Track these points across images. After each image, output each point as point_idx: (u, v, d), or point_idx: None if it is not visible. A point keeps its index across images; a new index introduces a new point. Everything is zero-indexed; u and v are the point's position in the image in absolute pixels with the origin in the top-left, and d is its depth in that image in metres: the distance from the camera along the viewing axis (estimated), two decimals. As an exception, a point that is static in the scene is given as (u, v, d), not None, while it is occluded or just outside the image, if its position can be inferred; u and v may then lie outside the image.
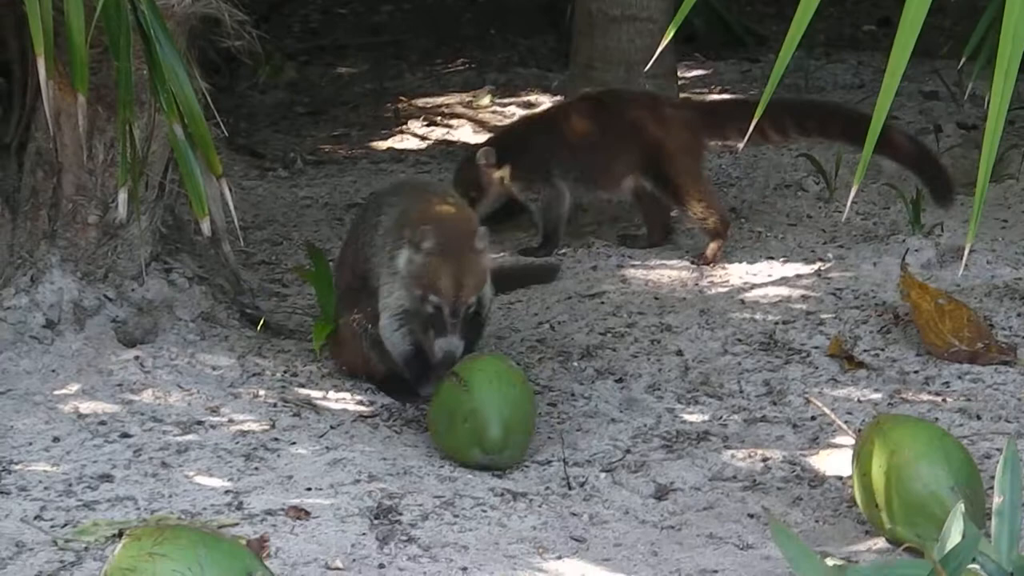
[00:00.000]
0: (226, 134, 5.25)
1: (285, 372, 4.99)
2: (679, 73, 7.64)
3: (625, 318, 5.52)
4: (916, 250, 5.81)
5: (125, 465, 4.35)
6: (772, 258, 6.02)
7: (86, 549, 3.90)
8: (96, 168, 4.99)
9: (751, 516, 4.29)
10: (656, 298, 5.69)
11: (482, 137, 7.08)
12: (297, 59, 9.29)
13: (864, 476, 4.02)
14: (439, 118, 8.07)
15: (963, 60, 5.88)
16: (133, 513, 4.10)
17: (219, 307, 5.22)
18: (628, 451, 4.67)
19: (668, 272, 5.94)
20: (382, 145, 7.76)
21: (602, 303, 5.66)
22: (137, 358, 4.89)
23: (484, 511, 4.22)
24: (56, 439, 4.49)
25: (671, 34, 3.77)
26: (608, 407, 4.95)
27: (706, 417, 4.88)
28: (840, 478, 4.44)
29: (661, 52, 4.20)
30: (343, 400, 4.88)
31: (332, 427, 4.66)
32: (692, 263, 5.98)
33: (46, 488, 4.22)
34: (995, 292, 5.51)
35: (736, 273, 5.89)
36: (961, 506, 3.37)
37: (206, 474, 4.32)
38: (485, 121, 7.91)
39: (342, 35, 9.85)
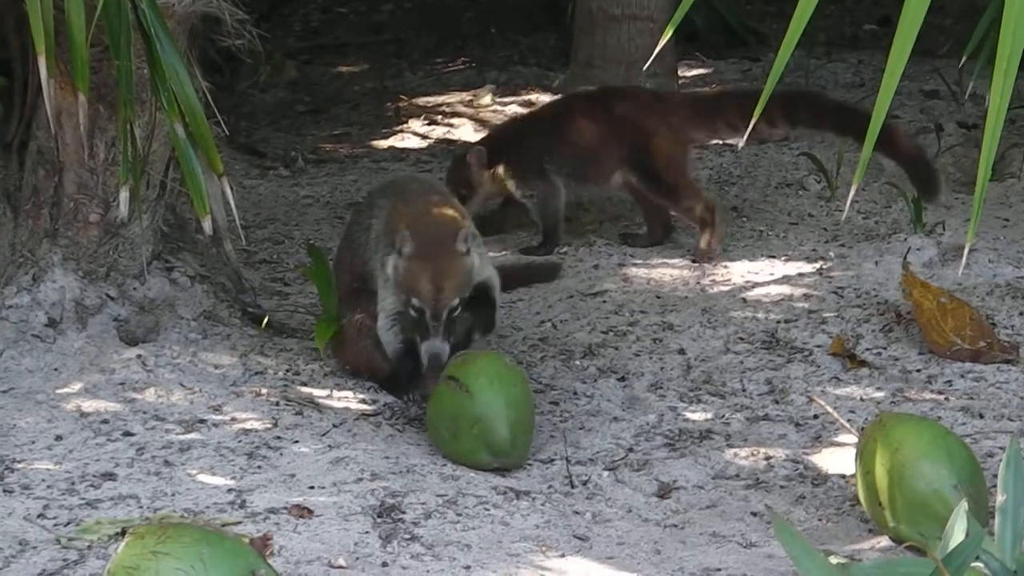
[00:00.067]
0: (227, 133, 5.24)
1: (287, 371, 4.99)
2: (680, 72, 7.65)
3: (627, 317, 5.52)
4: (918, 249, 5.81)
5: (128, 463, 4.35)
6: (774, 257, 6.02)
7: (89, 547, 3.90)
8: (97, 167, 4.99)
9: (754, 514, 4.29)
10: (658, 297, 5.69)
11: (482, 136, 7.09)
12: (298, 58, 9.29)
13: (867, 474, 4.02)
14: (440, 117, 8.07)
15: (964, 59, 5.88)
16: (136, 511, 4.09)
17: (221, 306, 5.22)
18: (631, 449, 4.67)
19: (670, 271, 5.94)
20: (383, 144, 7.76)
21: (604, 302, 5.66)
22: (139, 357, 4.89)
23: (487, 509, 4.22)
24: (59, 438, 4.49)
25: (670, 33, 3.77)
26: (610, 406, 4.95)
27: (709, 416, 4.88)
28: (843, 476, 4.44)
29: (662, 51, 4.21)
30: (345, 399, 4.88)
31: (335, 425, 4.66)
32: (692, 261, 5.98)
33: (49, 487, 4.22)
34: (997, 291, 5.50)
35: (738, 272, 5.89)
36: (964, 504, 3.37)
37: (209, 472, 4.32)
38: (486, 120, 7.91)
39: (343, 34, 9.86)
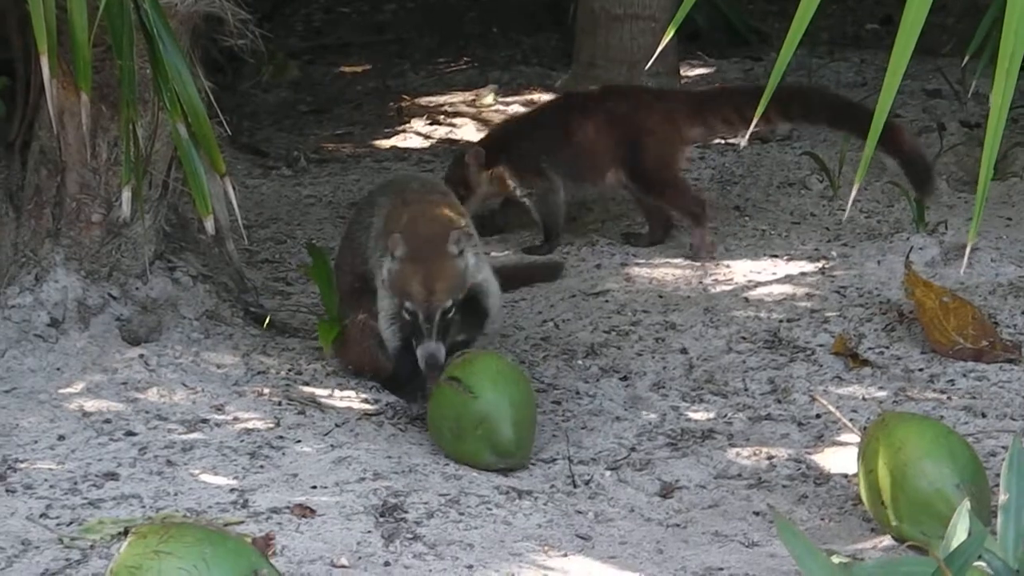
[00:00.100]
0: (229, 133, 5.24)
1: (290, 370, 4.99)
2: (682, 71, 7.66)
3: (629, 316, 5.52)
4: (920, 248, 5.81)
5: (130, 463, 4.35)
6: (776, 256, 6.02)
7: (92, 547, 3.90)
8: (100, 167, 4.99)
9: (756, 514, 4.29)
10: (660, 296, 5.69)
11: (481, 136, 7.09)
12: (300, 58, 9.30)
13: (870, 474, 4.02)
14: (442, 117, 8.07)
15: (966, 58, 5.88)
16: (138, 511, 4.09)
17: (223, 305, 5.22)
18: (633, 449, 4.67)
19: (672, 270, 5.94)
20: (385, 144, 7.76)
21: (606, 301, 5.66)
22: (142, 356, 4.89)
23: (489, 509, 4.21)
24: (61, 437, 4.49)
25: (672, 32, 3.78)
26: (613, 405, 4.95)
27: (711, 415, 4.88)
28: (845, 476, 4.44)
29: (664, 50, 4.21)
30: (348, 398, 4.88)
31: (337, 425, 4.66)
32: (688, 259, 5.99)
33: (51, 486, 4.22)
34: (999, 290, 5.50)
35: (740, 271, 5.89)
36: (967, 503, 3.37)
37: (211, 472, 4.32)
38: (488, 120, 7.90)
39: (345, 34, 9.86)
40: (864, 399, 4.91)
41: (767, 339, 5.30)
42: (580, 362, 5.21)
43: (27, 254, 5.04)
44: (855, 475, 4.19)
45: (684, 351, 5.26)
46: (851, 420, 4.63)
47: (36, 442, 4.47)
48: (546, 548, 4.04)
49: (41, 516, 4.07)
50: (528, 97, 8.22)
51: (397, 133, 7.88)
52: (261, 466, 4.37)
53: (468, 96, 8.39)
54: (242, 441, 4.50)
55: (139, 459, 4.38)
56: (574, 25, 7.32)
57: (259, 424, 4.61)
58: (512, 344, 5.35)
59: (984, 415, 4.75)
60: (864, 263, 5.83)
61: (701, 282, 5.81)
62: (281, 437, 4.54)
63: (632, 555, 4.05)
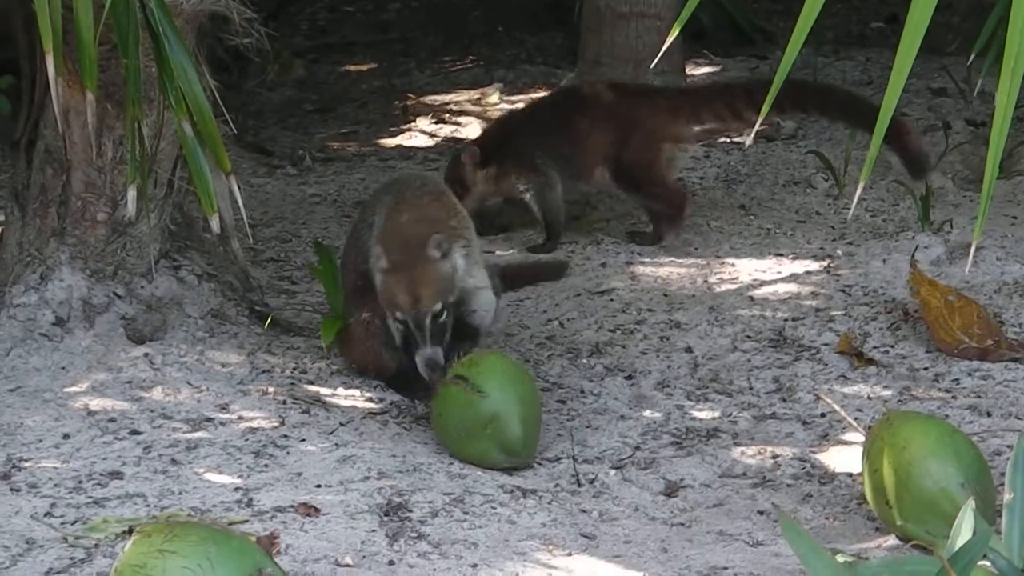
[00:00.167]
0: (235, 131, 5.26)
1: (294, 369, 4.99)
2: (688, 70, 7.65)
3: (634, 315, 5.52)
4: (925, 247, 5.80)
5: (135, 462, 4.36)
6: (781, 255, 6.02)
7: (96, 546, 3.90)
8: (105, 165, 4.99)
9: (761, 513, 4.29)
10: (665, 295, 5.69)
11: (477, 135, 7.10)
12: (305, 57, 9.30)
13: (874, 473, 4.02)
14: (447, 115, 8.07)
15: (972, 57, 5.88)
16: (143, 510, 4.10)
17: (228, 304, 5.22)
18: (638, 448, 4.67)
19: (677, 269, 5.94)
20: (391, 142, 7.76)
21: (611, 300, 5.66)
22: (146, 355, 4.89)
23: (494, 508, 4.21)
24: (66, 436, 4.50)
25: (677, 30, 3.78)
26: (617, 404, 4.95)
27: (716, 414, 4.88)
28: (850, 475, 4.43)
29: (669, 49, 4.21)
30: (352, 397, 4.88)
31: (341, 424, 4.66)
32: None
33: (56, 485, 4.22)
34: (1005, 289, 5.50)
35: (745, 270, 5.89)
36: (971, 503, 3.36)
37: (216, 471, 4.32)
38: (493, 118, 7.90)
39: (350, 32, 9.86)
40: (869, 398, 4.91)
41: (772, 338, 5.30)
42: (585, 361, 5.21)
43: (32, 253, 5.05)
44: (860, 474, 4.19)
45: (689, 350, 5.26)
46: (856, 419, 4.63)
47: (41, 441, 4.47)
48: (550, 547, 4.03)
49: (45, 515, 4.07)
50: (533, 96, 8.22)
51: (402, 132, 7.88)
52: (265, 465, 4.37)
53: (473, 95, 8.39)
54: (246, 440, 4.50)
55: (144, 458, 4.38)
56: (579, 23, 7.31)
57: (264, 423, 4.61)
58: (517, 343, 5.35)
59: (989, 414, 4.74)
60: (869, 262, 5.83)
61: (706, 281, 5.81)
62: (285, 436, 4.54)
63: (636, 554, 4.05)
